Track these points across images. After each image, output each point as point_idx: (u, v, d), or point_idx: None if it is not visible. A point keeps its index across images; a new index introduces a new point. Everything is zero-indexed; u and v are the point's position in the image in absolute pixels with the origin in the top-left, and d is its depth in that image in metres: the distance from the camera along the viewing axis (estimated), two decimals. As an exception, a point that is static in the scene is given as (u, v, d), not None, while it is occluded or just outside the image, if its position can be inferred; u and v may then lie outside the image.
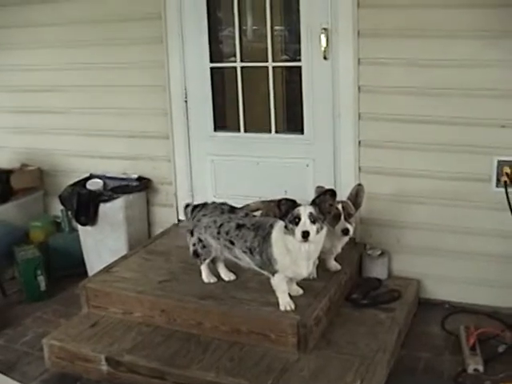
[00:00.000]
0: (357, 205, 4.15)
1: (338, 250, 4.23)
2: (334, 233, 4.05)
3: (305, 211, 3.46)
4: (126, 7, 5.05)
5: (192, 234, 4.13)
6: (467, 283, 4.48)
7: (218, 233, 3.94)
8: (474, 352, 3.80)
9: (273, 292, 3.80)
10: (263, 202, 4.43)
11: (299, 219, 3.46)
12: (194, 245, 4.12)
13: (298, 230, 3.45)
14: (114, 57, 5.22)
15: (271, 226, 3.70)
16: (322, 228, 3.54)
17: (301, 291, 3.91)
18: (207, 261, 4.13)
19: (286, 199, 3.56)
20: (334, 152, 4.67)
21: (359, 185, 4.22)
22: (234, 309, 3.84)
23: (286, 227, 3.54)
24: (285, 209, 3.51)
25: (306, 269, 3.69)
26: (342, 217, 4.02)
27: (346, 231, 4.04)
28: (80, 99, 5.49)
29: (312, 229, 3.45)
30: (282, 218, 3.55)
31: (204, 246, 4.07)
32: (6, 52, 5.70)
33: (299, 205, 3.51)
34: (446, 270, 4.51)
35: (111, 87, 5.32)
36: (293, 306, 3.76)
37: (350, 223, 4.05)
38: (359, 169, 4.58)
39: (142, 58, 5.10)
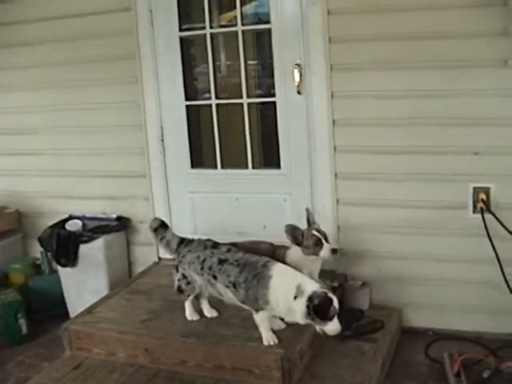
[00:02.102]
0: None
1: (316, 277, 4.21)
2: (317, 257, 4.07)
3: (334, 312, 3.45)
4: (100, 48, 5.08)
5: (177, 269, 4.13)
6: (449, 310, 4.50)
7: (202, 268, 3.94)
8: (458, 379, 3.80)
9: (255, 327, 3.79)
10: (250, 242, 4.41)
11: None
12: (178, 280, 4.12)
13: (331, 329, 3.45)
14: (89, 97, 5.24)
15: (266, 268, 3.66)
16: None
17: (283, 325, 3.88)
18: (191, 297, 4.12)
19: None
20: (311, 185, 4.70)
21: (307, 209, 4.24)
22: (218, 345, 3.82)
23: (308, 313, 3.44)
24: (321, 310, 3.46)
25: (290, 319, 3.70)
26: (323, 240, 4.03)
27: (334, 251, 4.06)
28: (57, 140, 5.50)
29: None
30: (310, 309, 3.45)
31: (188, 283, 4.06)
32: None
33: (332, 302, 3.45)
34: (428, 298, 4.54)
35: (87, 128, 5.33)
36: (276, 341, 3.75)
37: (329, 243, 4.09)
38: (337, 201, 4.61)
39: (117, 99, 5.14)
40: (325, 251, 4.02)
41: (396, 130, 4.38)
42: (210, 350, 3.82)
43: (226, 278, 3.79)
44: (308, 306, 3.42)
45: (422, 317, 4.61)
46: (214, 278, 3.87)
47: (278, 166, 4.81)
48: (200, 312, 4.18)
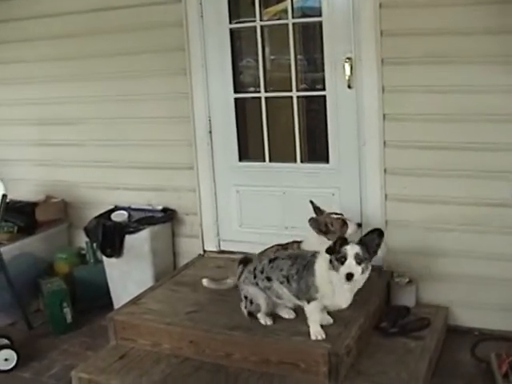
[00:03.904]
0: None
1: None
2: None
3: (352, 251, 3.46)
4: (149, 40, 5.10)
5: (241, 298, 4.08)
6: (496, 310, 4.43)
7: (255, 277, 3.93)
8: (506, 380, 3.74)
9: (302, 321, 3.80)
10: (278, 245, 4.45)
11: (345, 259, 3.45)
12: (245, 307, 4.04)
13: (343, 271, 3.45)
14: (139, 89, 5.27)
15: (314, 256, 3.69)
16: (367, 268, 3.54)
17: (331, 320, 3.88)
18: (261, 313, 3.99)
19: (342, 238, 3.59)
20: (359, 180, 4.66)
21: (311, 201, 4.39)
22: (264, 339, 3.81)
23: (330, 261, 3.53)
24: (338, 246, 3.50)
25: (346, 301, 3.69)
26: (347, 220, 4.24)
27: (360, 225, 4.26)
28: (105, 131, 5.54)
29: (357, 270, 3.45)
30: (328, 252, 3.54)
31: (251, 302, 3.98)
32: (30, 86, 5.77)
33: (347, 242, 3.51)
34: (475, 297, 4.48)
35: (136, 119, 5.36)
36: (323, 336, 3.73)
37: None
38: (385, 197, 4.57)
39: (166, 90, 5.15)
40: (351, 228, 4.20)
41: (447, 125, 4.31)
42: (256, 343, 3.82)
43: (279, 273, 3.80)
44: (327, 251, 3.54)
45: (469, 316, 4.54)
46: (268, 279, 3.85)
47: (326, 160, 4.79)
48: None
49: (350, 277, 3.43)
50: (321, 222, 4.21)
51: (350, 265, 3.44)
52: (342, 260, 3.45)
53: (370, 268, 3.58)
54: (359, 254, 3.45)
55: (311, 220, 4.23)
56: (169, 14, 5.01)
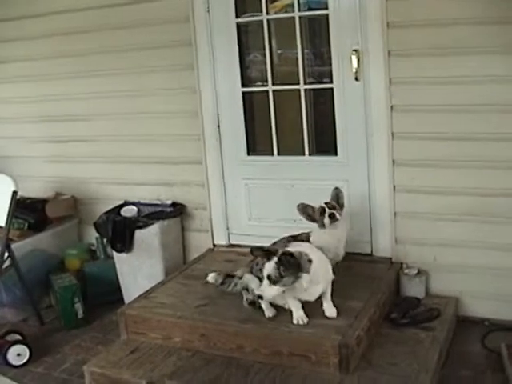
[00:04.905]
0: (340, 205, 4.32)
1: (342, 252, 4.35)
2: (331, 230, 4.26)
3: (266, 272, 3.59)
4: (156, 35, 5.10)
5: (242, 295, 4.18)
6: (506, 300, 4.42)
7: (252, 269, 4.04)
8: (517, 370, 3.76)
9: (312, 313, 3.83)
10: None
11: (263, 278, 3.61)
12: (246, 299, 4.12)
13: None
14: (147, 84, 5.28)
15: None
16: (287, 283, 3.60)
17: (334, 314, 3.88)
18: (264, 304, 4.02)
19: (257, 248, 3.73)
20: (368, 172, 4.66)
21: (336, 188, 4.39)
22: (275, 331, 3.82)
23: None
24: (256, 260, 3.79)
25: (308, 295, 3.78)
26: (327, 208, 4.21)
27: (331, 215, 4.21)
28: (113, 127, 5.56)
29: (270, 290, 3.61)
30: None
31: (247, 290, 4.09)
32: (39, 83, 5.79)
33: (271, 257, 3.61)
34: (485, 287, 4.47)
35: (143, 114, 5.37)
36: (305, 321, 3.82)
37: (335, 210, 4.23)
38: (394, 188, 4.56)
39: (174, 85, 5.16)
40: (326, 219, 4.19)
41: (455, 116, 4.30)
42: (267, 335, 3.82)
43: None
44: None
45: (478, 306, 4.54)
46: (261, 271, 3.87)
47: (334, 152, 4.78)
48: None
49: (260, 297, 3.80)
50: (308, 208, 4.28)
51: (264, 285, 3.62)
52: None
53: (289, 284, 3.63)
54: (271, 275, 3.57)
55: (299, 206, 4.30)
56: (175, 10, 5.00)
